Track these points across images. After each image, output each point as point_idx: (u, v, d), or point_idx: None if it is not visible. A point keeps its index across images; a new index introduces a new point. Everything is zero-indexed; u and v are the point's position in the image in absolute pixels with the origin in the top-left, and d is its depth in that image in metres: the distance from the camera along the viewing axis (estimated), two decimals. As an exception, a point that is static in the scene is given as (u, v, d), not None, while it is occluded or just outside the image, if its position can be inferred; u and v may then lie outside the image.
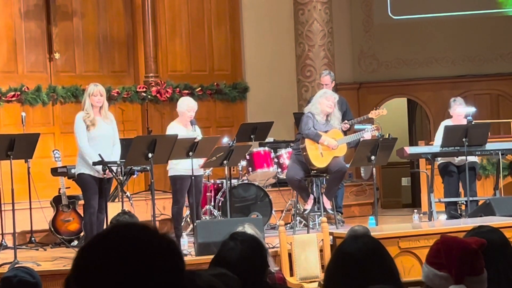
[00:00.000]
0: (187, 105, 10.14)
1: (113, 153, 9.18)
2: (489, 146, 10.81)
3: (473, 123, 10.82)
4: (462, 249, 3.08)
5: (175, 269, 1.98)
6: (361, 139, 10.68)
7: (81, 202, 9.82)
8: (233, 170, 11.59)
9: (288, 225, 10.92)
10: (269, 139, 12.41)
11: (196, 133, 9.95)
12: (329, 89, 11.35)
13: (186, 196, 10.07)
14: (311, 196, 10.78)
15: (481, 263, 3.11)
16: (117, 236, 1.98)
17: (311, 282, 8.57)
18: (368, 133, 10.80)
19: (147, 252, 1.96)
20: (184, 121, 10.10)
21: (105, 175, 9.07)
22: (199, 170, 9.92)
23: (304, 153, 10.57)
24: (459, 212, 11.09)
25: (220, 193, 11.10)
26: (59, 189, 10.80)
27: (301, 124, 10.74)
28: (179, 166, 9.84)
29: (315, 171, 10.68)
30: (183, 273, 2.01)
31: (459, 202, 11.14)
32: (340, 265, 3.04)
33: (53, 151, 11.12)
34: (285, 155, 11.48)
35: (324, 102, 10.61)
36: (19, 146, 9.14)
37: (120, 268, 1.93)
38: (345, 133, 11.15)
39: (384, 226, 10.34)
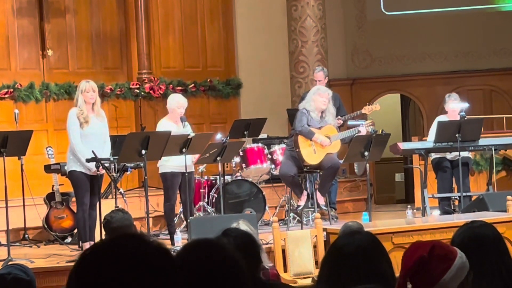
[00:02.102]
0: (177, 102, 10.14)
1: (104, 150, 9.18)
2: (482, 141, 10.81)
3: (466, 118, 10.83)
4: (403, 272, 3.04)
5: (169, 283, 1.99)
6: (355, 135, 10.66)
7: (75, 199, 9.81)
8: (227, 167, 11.58)
9: (282, 221, 10.91)
10: (263, 135, 12.40)
11: (186, 130, 9.94)
12: (322, 85, 11.34)
13: (178, 192, 10.07)
14: (305, 192, 10.77)
15: (427, 277, 3.03)
16: (113, 248, 1.99)
17: (305, 278, 8.58)
18: (363, 128, 10.76)
19: (143, 265, 1.96)
20: (174, 117, 10.10)
21: (98, 172, 9.06)
22: (190, 166, 9.91)
23: (297, 150, 10.55)
24: (452, 208, 11.10)
25: (213, 190, 11.09)
26: (53, 186, 10.79)
27: (295, 120, 10.71)
28: (169, 163, 9.83)
29: (308, 168, 10.68)
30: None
31: (453, 197, 11.14)
32: (334, 261, 3.04)
33: (46, 148, 11.10)
34: (278, 151, 11.48)
35: (318, 99, 10.58)
36: (12, 143, 9.11)
37: (115, 281, 1.94)
38: (339, 128, 11.13)
39: (378, 222, 10.34)
